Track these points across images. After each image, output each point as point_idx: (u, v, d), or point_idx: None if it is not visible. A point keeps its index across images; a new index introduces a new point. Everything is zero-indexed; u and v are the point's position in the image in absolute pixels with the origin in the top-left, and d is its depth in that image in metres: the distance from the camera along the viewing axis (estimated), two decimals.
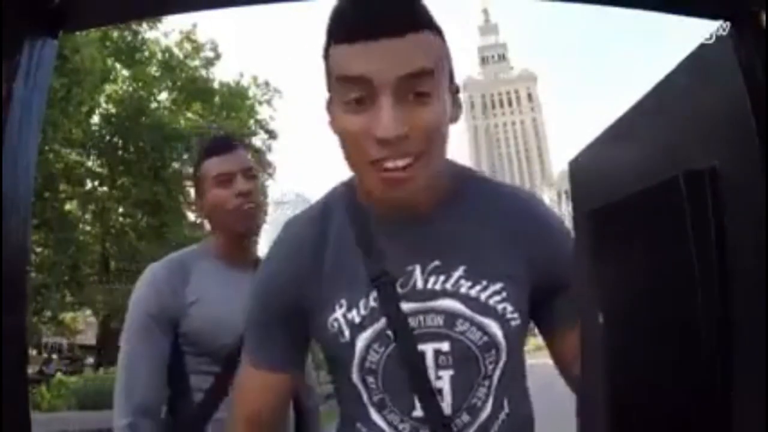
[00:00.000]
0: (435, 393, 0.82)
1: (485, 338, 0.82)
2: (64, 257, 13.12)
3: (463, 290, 0.81)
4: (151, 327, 1.30)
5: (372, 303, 0.82)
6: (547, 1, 0.70)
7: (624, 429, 0.58)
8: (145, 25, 14.30)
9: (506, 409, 0.86)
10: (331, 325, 0.83)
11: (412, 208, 0.82)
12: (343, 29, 0.72)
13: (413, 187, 0.74)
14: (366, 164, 0.74)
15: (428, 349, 0.81)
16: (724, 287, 0.45)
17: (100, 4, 0.70)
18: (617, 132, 0.62)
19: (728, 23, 0.48)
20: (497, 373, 0.85)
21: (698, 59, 0.50)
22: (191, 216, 16.22)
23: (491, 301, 0.82)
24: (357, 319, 0.82)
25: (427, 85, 0.71)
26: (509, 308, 0.82)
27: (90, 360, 19.92)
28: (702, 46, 0.50)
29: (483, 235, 0.83)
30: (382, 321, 0.81)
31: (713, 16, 0.52)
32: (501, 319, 0.82)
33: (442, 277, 0.82)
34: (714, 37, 0.48)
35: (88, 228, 15.11)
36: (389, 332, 0.81)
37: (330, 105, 0.79)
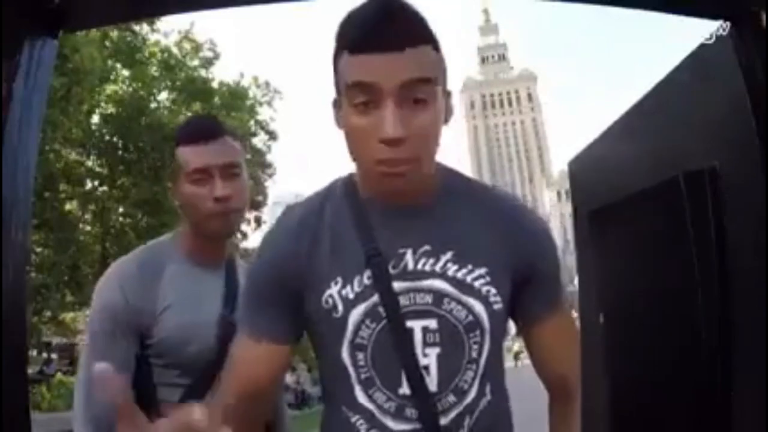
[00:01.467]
0: (422, 370, 0.86)
1: (470, 317, 0.88)
2: (64, 257, 13.11)
3: (450, 272, 0.88)
4: (116, 335, 1.13)
5: (366, 281, 0.87)
6: (547, 1, 0.70)
7: (624, 429, 0.58)
8: (145, 27, 14.30)
9: (488, 396, 0.91)
10: (326, 301, 0.88)
11: (407, 200, 0.90)
12: (354, 40, 0.82)
13: (409, 183, 0.84)
14: (369, 160, 0.84)
15: (417, 326, 0.87)
16: (724, 287, 0.45)
17: (100, 4, 0.70)
18: (617, 132, 0.62)
19: (728, 23, 0.48)
20: (483, 357, 0.90)
21: (698, 59, 0.50)
22: None
23: (476, 284, 0.89)
24: (351, 295, 0.87)
25: (424, 92, 0.82)
26: (492, 291, 0.89)
27: None
28: (702, 46, 0.50)
29: (469, 226, 0.91)
30: (375, 297, 0.87)
31: (713, 16, 0.52)
32: (485, 300, 0.89)
33: (431, 260, 0.89)
34: (714, 37, 0.48)
35: (88, 228, 15.10)
36: (380, 309, 0.87)
37: (337, 105, 0.89)
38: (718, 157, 0.46)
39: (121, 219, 15.19)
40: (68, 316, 18.71)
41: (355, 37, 0.82)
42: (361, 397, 0.88)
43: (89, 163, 14.74)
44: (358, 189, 0.94)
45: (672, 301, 0.51)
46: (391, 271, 0.87)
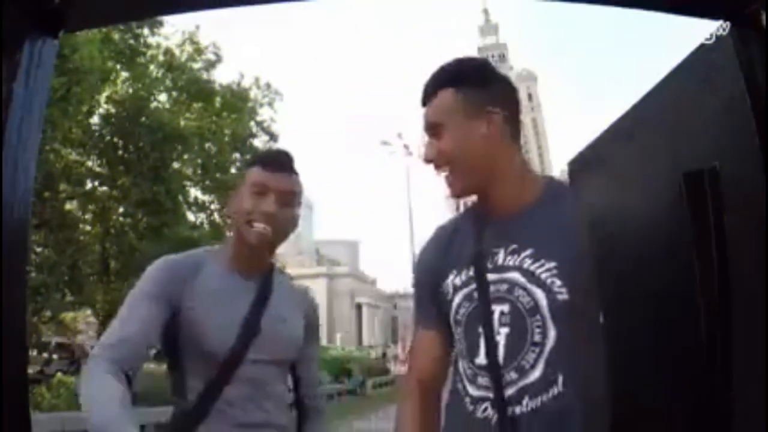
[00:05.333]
0: (495, 345, 1.05)
1: (531, 303, 1.03)
2: (64, 257, 13.09)
3: (525, 266, 1.06)
4: (150, 299, 1.30)
5: (470, 273, 1.12)
6: (547, 1, 0.70)
7: (625, 426, 0.58)
8: (146, 30, 14.29)
9: (559, 387, 0.99)
10: (446, 287, 1.16)
11: (507, 210, 1.12)
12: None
13: (456, 191, 1.14)
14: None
15: (496, 309, 1.07)
16: (724, 287, 0.45)
17: (100, 5, 0.70)
18: (617, 132, 0.62)
19: (728, 23, 0.48)
20: (548, 343, 1.01)
21: (698, 59, 0.50)
22: (191, 216, 16.23)
23: (543, 275, 1.03)
24: (458, 283, 1.13)
25: (437, 131, 1.12)
26: (557, 282, 1.01)
27: None
28: (702, 46, 0.50)
29: (551, 230, 1.06)
30: (472, 285, 1.11)
31: (713, 16, 0.51)
32: (548, 290, 1.02)
33: (515, 256, 1.08)
34: (714, 37, 0.48)
35: (88, 228, 15.07)
36: (475, 293, 1.10)
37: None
38: (718, 157, 0.46)
39: (121, 219, 15.17)
40: (68, 316, 18.69)
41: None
42: (459, 364, 1.14)
43: (89, 163, 14.73)
44: (478, 206, 1.20)
45: (672, 301, 0.51)
46: (488, 266, 1.10)
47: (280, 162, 1.41)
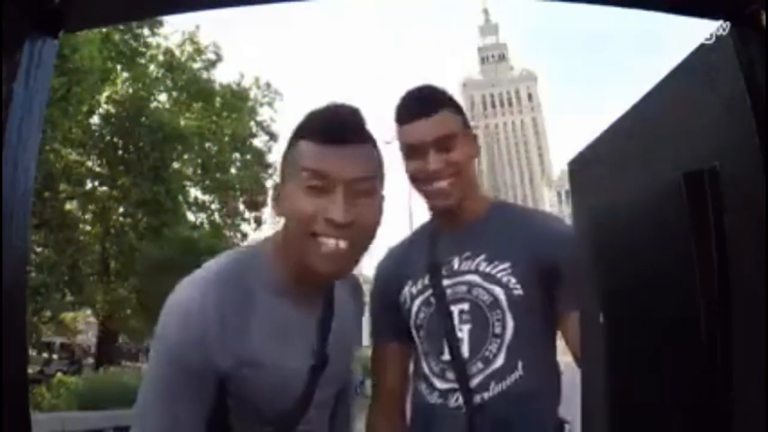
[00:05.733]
0: (458, 340, 1.16)
1: (491, 299, 1.15)
2: (64, 257, 13.11)
3: (481, 268, 1.18)
4: (191, 385, 0.86)
5: (426, 281, 1.22)
6: (547, 1, 0.70)
7: (625, 426, 0.58)
8: (146, 30, 14.31)
9: (519, 372, 1.13)
10: (403, 296, 1.25)
11: (459, 223, 1.22)
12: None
13: (453, 201, 1.17)
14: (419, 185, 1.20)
15: (455, 309, 1.18)
16: (724, 286, 0.45)
17: (100, 5, 0.70)
18: (617, 132, 0.62)
19: (728, 23, 0.48)
20: (507, 334, 1.14)
21: (698, 59, 0.50)
22: (191, 216, 16.25)
23: (499, 275, 1.16)
24: (414, 291, 1.23)
25: (448, 143, 1.16)
26: (513, 280, 1.15)
27: (90, 360, 19.91)
28: (702, 46, 0.50)
29: (502, 236, 1.20)
30: (429, 291, 1.20)
31: (713, 16, 0.51)
32: (505, 287, 1.15)
33: (470, 261, 1.19)
34: (714, 37, 0.48)
35: (87, 228, 15.10)
36: (432, 298, 1.20)
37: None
38: (718, 157, 0.46)
39: (121, 219, 15.19)
40: (68, 316, 18.71)
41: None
42: (421, 362, 1.22)
43: (89, 163, 14.75)
44: (433, 220, 1.30)
45: (672, 300, 0.51)
46: (443, 272, 1.20)
47: (347, 128, 0.90)
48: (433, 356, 1.19)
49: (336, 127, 0.89)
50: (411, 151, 1.19)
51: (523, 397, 1.13)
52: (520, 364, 1.14)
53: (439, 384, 1.18)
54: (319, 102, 0.96)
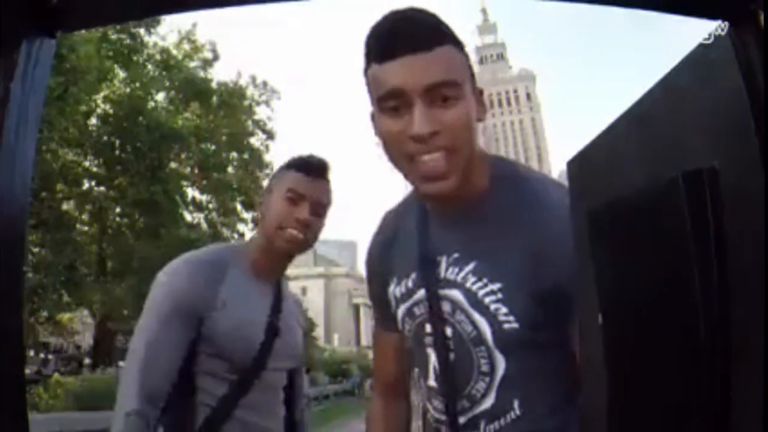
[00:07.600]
0: (440, 370, 0.95)
1: (474, 333, 0.90)
2: (61, 257, 13.07)
3: (468, 284, 0.91)
4: (179, 319, 1.25)
5: (410, 284, 0.99)
6: (547, 0, 0.70)
7: (625, 427, 0.58)
8: (143, 29, 14.29)
9: (517, 411, 0.90)
10: (390, 295, 1.04)
11: (452, 204, 0.91)
12: (376, 50, 0.83)
13: (447, 177, 0.82)
14: (404, 159, 0.84)
15: (439, 330, 0.94)
16: (724, 287, 0.45)
17: (98, 4, 0.70)
18: (617, 132, 0.62)
19: (728, 23, 0.48)
20: (498, 373, 0.90)
21: (698, 59, 0.50)
22: (188, 216, 16.22)
23: (486, 300, 0.89)
24: (398, 295, 1.02)
25: (451, 90, 0.81)
26: (503, 310, 0.87)
27: (87, 360, 19.88)
28: (702, 46, 0.50)
29: (501, 236, 0.90)
30: (413, 298, 0.98)
31: (713, 16, 0.52)
32: (491, 317, 0.88)
33: (456, 269, 0.92)
34: (714, 37, 0.48)
35: (85, 228, 15.08)
36: (415, 309, 0.98)
37: (373, 113, 0.89)
38: (718, 157, 0.46)
39: (118, 219, 15.17)
40: (65, 316, 18.67)
41: (378, 48, 0.83)
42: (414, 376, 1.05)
43: (86, 163, 14.72)
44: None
45: (672, 301, 0.51)
46: (429, 276, 0.95)
47: (319, 170, 1.37)
48: (423, 374, 0.99)
49: (313, 167, 1.37)
50: (388, 104, 0.81)
51: None
52: (516, 403, 0.90)
53: (430, 407, 1.00)
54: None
